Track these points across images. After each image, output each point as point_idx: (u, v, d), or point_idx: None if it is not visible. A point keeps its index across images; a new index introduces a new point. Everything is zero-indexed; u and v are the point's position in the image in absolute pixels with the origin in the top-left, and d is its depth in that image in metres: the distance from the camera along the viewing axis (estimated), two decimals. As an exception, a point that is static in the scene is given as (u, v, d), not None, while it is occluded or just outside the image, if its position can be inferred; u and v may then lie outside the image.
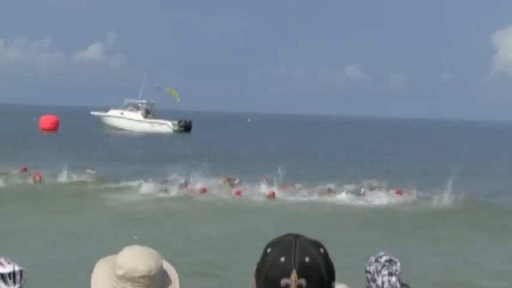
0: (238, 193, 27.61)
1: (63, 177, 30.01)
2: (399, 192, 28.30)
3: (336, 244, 15.26)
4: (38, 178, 29.37)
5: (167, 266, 2.87)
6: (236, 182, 29.14)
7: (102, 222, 21.70)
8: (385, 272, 4.50)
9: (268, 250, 2.05)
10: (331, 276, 2.06)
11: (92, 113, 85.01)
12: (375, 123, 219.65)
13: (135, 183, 29.12)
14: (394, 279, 4.51)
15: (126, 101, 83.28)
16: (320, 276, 2.02)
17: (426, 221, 23.68)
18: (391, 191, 28.58)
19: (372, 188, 29.20)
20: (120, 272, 2.76)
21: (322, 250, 2.06)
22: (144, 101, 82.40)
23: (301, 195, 27.86)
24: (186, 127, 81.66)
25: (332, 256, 2.10)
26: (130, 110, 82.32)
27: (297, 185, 28.94)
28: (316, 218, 23.38)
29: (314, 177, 30.96)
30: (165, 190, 27.75)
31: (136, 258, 2.77)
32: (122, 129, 78.67)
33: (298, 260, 2.00)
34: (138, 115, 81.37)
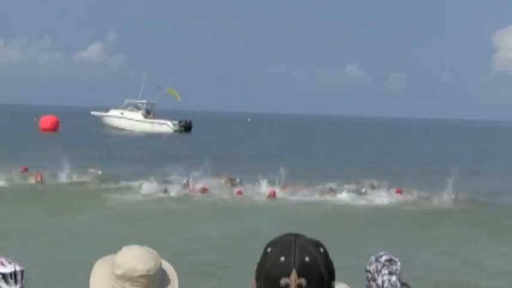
0: (240, 193, 27.63)
1: (63, 178, 30.02)
2: (399, 192, 28.32)
3: (337, 243, 15.27)
4: (39, 178, 29.40)
5: (166, 265, 2.87)
6: (237, 181, 29.16)
7: (102, 222, 21.70)
8: (385, 271, 4.50)
9: (268, 250, 2.05)
10: (331, 276, 2.06)
11: (92, 113, 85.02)
12: (375, 123, 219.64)
13: (135, 183, 29.12)
14: (394, 278, 4.51)
15: (126, 101, 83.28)
16: (320, 275, 2.02)
17: (426, 220, 23.68)
18: (391, 190, 28.60)
19: (372, 188, 29.21)
20: (119, 272, 2.75)
21: (322, 250, 2.05)
22: (144, 101, 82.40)
23: (302, 195, 27.86)
24: (187, 127, 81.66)
25: (332, 256, 2.10)
26: (131, 110, 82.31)
27: (298, 185, 28.95)
28: (317, 217, 23.39)
29: (314, 177, 30.98)
30: (166, 190, 27.75)
31: (135, 258, 2.76)
32: (122, 129, 78.67)
33: (298, 259, 2.00)
34: (138, 115, 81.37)
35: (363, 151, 58.80)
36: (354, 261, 11.18)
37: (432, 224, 23.10)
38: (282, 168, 28.72)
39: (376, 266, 4.52)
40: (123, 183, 29.58)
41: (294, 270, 2.00)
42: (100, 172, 31.85)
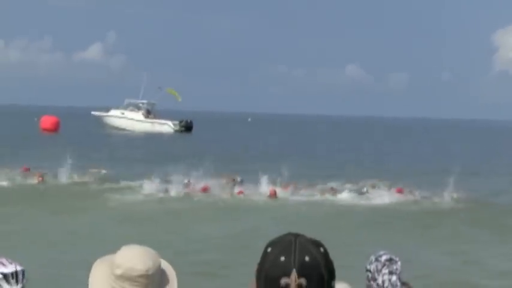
0: (241, 193, 27.66)
1: (64, 178, 30.05)
2: (400, 191, 28.32)
3: (337, 243, 15.28)
4: (40, 178, 29.46)
5: (165, 265, 2.87)
6: (238, 180, 29.17)
7: (103, 222, 21.72)
8: (385, 270, 4.51)
9: (269, 249, 2.05)
10: (331, 276, 2.06)
11: (93, 113, 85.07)
12: (375, 122, 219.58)
13: (136, 183, 29.14)
14: (394, 278, 4.52)
15: (127, 101, 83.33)
16: (320, 275, 2.02)
17: (427, 220, 23.69)
18: (391, 190, 28.60)
19: (373, 187, 29.23)
20: (118, 272, 2.75)
21: (322, 249, 2.05)
22: (145, 101, 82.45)
23: (303, 195, 27.89)
24: (187, 127, 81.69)
25: (333, 255, 2.10)
26: (131, 110, 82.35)
27: (299, 185, 28.97)
28: (318, 217, 23.40)
29: (315, 177, 31.00)
30: (167, 190, 27.77)
31: (134, 258, 2.76)
32: (123, 129, 78.70)
33: (298, 259, 2.00)
34: (139, 115, 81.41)
35: (363, 151, 58.80)
36: (354, 261, 11.18)
37: (433, 224, 23.11)
38: (283, 168, 28.75)
39: (377, 266, 4.52)
40: (124, 184, 29.61)
41: (294, 270, 2.00)
42: (104, 171, 31.91)
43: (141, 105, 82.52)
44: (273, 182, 28.55)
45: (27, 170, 31.39)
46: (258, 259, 2.07)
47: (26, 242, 18.23)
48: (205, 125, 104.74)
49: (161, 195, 27.35)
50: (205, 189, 27.76)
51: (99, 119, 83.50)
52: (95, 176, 31.04)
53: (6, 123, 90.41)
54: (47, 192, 27.33)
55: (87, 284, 2.79)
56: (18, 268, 3.61)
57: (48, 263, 15.93)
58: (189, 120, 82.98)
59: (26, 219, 22.18)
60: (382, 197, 27.61)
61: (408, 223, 23.07)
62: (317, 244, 2.07)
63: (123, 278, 2.75)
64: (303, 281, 2.00)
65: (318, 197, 27.81)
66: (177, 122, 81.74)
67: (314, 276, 2.01)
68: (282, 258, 2.01)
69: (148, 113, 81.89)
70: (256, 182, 28.50)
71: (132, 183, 29.36)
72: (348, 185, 29.54)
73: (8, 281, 3.56)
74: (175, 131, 79.65)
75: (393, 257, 4.60)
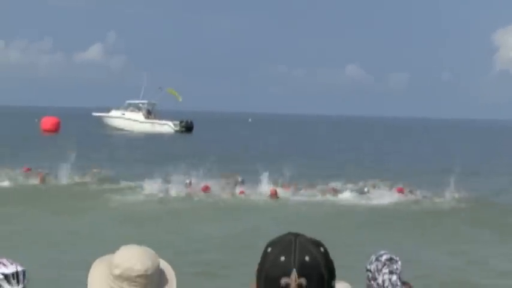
0: (242, 193, 27.67)
1: (65, 178, 30.05)
2: (401, 191, 28.32)
3: (338, 243, 15.28)
4: (41, 179, 29.52)
5: (164, 265, 2.86)
6: (239, 180, 29.17)
7: (104, 223, 21.73)
8: (385, 270, 4.51)
9: (269, 249, 2.05)
10: (331, 275, 2.06)
11: (94, 113, 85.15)
12: (375, 122, 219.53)
13: (137, 184, 29.14)
14: (394, 277, 4.52)
15: (127, 102, 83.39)
16: (320, 275, 2.02)
17: (428, 219, 23.69)
18: (392, 189, 28.60)
19: (373, 187, 29.22)
20: (117, 272, 2.75)
21: (322, 249, 2.05)
22: (145, 102, 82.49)
23: (304, 195, 27.89)
24: (188, 127, 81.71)
25: (333, 255, 2.10)
26: (132, 111, 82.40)
27: (299, 184, 28.98)
28: (319, 217, 23.41)
29: (315, 177, 31.00)
30: (167, 190, 27.77)
31: (133, 258, 2.76)
32: (124, 130, 78.73)
33: (298, 259, 2.00)
34: (139, 115, 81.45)
35: (363, 150, 58.80)
36: (354, 261, 11.18)
37: (433, 223, 23.10)
38: (285, 169, 28.77)
39: (377, 265, 4.53)
40: (125, 184, 29.62)
41: (294, 270, 2.00)
42: (99, 171, 31.86)
43: (141, 105, 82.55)
44: (273, 182, 28.56)
45: (29, 170, 31.41)
46: (258, 259, 2.07)
47: (26, 242, 18.23)
48: (206, 125, 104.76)
49: (162, 195, 27.35)
50: (205, 189, 27.78)
51: (99, 120, 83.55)
52: (96, 176, 31.05)
53: (6, 124, 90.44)
54: (48, 192, 27.34)
55: (86, 284, 2.79)
56: (19, 268, 3.61)
57: (49, 263, 15.93)
58: (189, 121, 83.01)
59: (27, 219, 22.19)
60: (383, 196, 27.60)
61: (409, 223, 23.06)
62: (317, 244, 2.07)
63: (122, 278, 2.75)
64: (303, 280, 2.00)
65: (318, 197, 27.81)
66: (177, 122, 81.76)
67: (314, 276, 2.01)
68: (282, 258, 2.01)
69: (149, 114, 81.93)
70: (257, 182, 28.51)
71: (132, 184, 29.37)
72: (349, 185, 29.54)
73: (9, 282, 3.56)
74: (176, 131, 79.67)
75: (393, 256, 4.60)
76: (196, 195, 27.26)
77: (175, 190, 27.71)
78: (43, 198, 26.00)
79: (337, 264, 2.10)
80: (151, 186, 28.17)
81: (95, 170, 31.68)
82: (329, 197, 27.84)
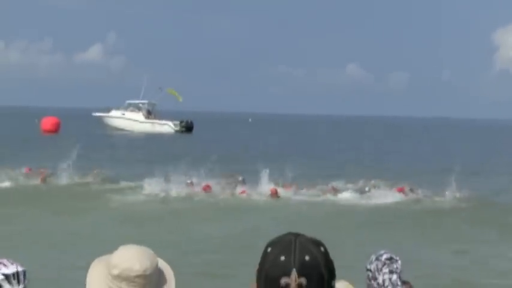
0: (243, 192, 27.67)
1: (65, 179, 30.06)
2: (401, 190, 28.31)
3: (339, 243, 15.29)
4: (42, 179, 29.54)
5: (163, 264, 2.85)
6: (240, 179, 29.18)
7: (105, 223, 21.73)
8: (385, 270, 4.52)
9: (269, 249, 2.05)
10: (331, 275, 2.06)
11: (94, 114, 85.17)
12: (375, 122, 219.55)
13: (137, 184, 29.15)
14: (395, 277, 4.52)
15: (128, 102, 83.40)
16: (320, 275, 2.03)
17: (428, 219, 23.68)
18: (393, 189, 28.59)
19: (374, 186, 29.22)
20: (115, 272, 2.74)
21: (322, 249, 2.06)
22: (145, 102, 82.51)
23: (304, 194, 27.89)
24: (188, 127, 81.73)
25: (334, 255, 2.11)
26: (132, 111, 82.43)
27: (300, 184, 28.98)
28: (319, 217, 23.41)
29: (315, 177, 30.98)
30: (168, 190, 27.78)
31: (131, 258, 2.75)
32: (124, 130, 78.75)
33: (298, 258, 2.01)
34: (139, 116, 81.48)
35: (363, 150, 58.81)
36: (354, 260, 11.19)
37: (434, 223, 23.10)
38: (286, 169, 28.79)
39: (377, 265, 4.53)
40: (125, 184, 29.64)
41: (294, 270, 2.00)
42: (100, 172, 31.88)
43: (141, 105, 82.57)
44: (274, 181, 28.56)
45: (31, 170, 31.44)
46: (259, 259, 2.08)
47: (27, 242, 18.24)
48: (206, 125, 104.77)
49: (162, 195, 27.36)
50: (207, 189, 27.79)
51: (100, 120, 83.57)
52: (96, 176, 31.04)
53: (6, 124, 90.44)
54: (49, 193, 27.34)
55: (85, 284, 2.79)
56: (20, 269, 3.61)
57: (50, 263, 15.94)
58: (189, 121, 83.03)
59: (28, 219, 22.20)
60: (383, 196, 27.59)
61: (409, 222, 23.06)
62: (317, 243, 2.07)
63: (120, 278, 2.74)
64: (303, 280, 2.00)
65: (318, 196, 27.81)
66: (177, 123, 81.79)
67: (314, 275, 2.02)
68: (282, 258, 2.01)
69: (149, 114, 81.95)
70: (257, 181, 28.51)
71: (133, 184, 29.38)
72: (349, 185, 29.53)
73: (9, 282, 3.57)
74: (176, 131, 79.70)
75: (393, 256, 4.60)
76: (196, 195, 27.27)
77: (175, 190, 27.72)
78: (44, 199, 26.01)
79: (337, 264, 2.10)
80: (152, 186, 28.18)
81: (95, 171, 31.69)
82: (329, 196, 27.84)
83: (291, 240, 2.04)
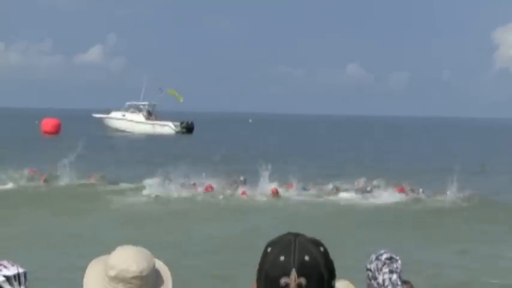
0: (244, 193, 27.67)
1: (66, 180, 30.07)
2: (402, 190, 28.31)
3: (339, 243, 15.30)
4: (43, 181, 29.57)
5: (160, 265, 2.85)
6: (241, 179, 29.19)
7: (106, 224, 21.73)
8: (385, 269, 4.52)
9: (268, 249, 2.06)
10: (331, 275, 2.07)
11: (94, 115, 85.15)
12: (375, 122, 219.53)
13: (138, 185, 29.17)
14: (395, 276, 4.53)
15: (128, 103, 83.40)
16: (320, 274, 2.03)
17: (429, 218, 23.69)
18: (394, 188, 28.59)
19: (374, 186, 29.22)
20: (112, 273, 2.74)
21: (322, 249, 2.06)
22: (146, 103, 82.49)
23: (305, 194, 27.90)
24: (188, 128, 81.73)
25: (334, 254, 2.11)
26: (132, 112, 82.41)
27: (300, 184, 28.99)
28: (319, 216, 23.41)
29: (315, 176, 31.00)
30: (169, 191, 27.79)
31: (128, 259, 2.74)
32: (124, 131, 78.74)
33: (297, 258, 2.01)
34: (140, 117, 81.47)
35: (363, 150, 58.81)
36: (355, 260, 11.19)
37: (435, 222, 23.10)
38: (284, 168, 28.79)
39: (377, 265, 4.53)
40: (126, 185, 29.64)
41: (293, 270, 2.00)
42: (101, 174, 31.90)
43: (142, 106, 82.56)
44: (274, 181, 28.56)
45: (33, 171, 31.47)
46: (259, 259, 2.08)
47: (28, 244, 18.24)
48: (206, 125, 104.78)
49: (163, 196, 27.36)
50: (207, 190, 27.80)
51: (100, 121, 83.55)
52: (97, 177, 31.06)
53: (7, 125, 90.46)
54: (49, 194, 27.36)
55: (82, 285, 2.79)
56: (21, 270, 3.62)
57: (50, 264, 15.95)
58: (190, 122, 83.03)
59: (28, 221, 22.20)
60: (384, 196, 27.60)
61: (410, 222, 23.06)
62: (317, 243, 2.07)
63: (117, 279, 2.74)
64: (302, 280, 2.01)
65: (318, 196, 27.81)
66: (178, 123, 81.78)
67: (314, 275, 2.02)
68: (282, 258, 2.02)
69: (149, 115, 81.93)
70: (258, 181, 28.52)
71: (134, 185, 29.40)
72: (350, 184, 29.53)
73: (10, 283, 3.57)
74: (177, 132, 79.69)
75: (393, 255, 4.61)
76: (197, 196, 27.28)
77: (176, 191, 27.73)
78: (44, 200, 26.02)
79: (337, 264, 2.11)
80: (153, 187, 28.20)
81: (97, 175, 31.69)
82: (330, 196, 27.85)
83: (290, 240, 2.05)
